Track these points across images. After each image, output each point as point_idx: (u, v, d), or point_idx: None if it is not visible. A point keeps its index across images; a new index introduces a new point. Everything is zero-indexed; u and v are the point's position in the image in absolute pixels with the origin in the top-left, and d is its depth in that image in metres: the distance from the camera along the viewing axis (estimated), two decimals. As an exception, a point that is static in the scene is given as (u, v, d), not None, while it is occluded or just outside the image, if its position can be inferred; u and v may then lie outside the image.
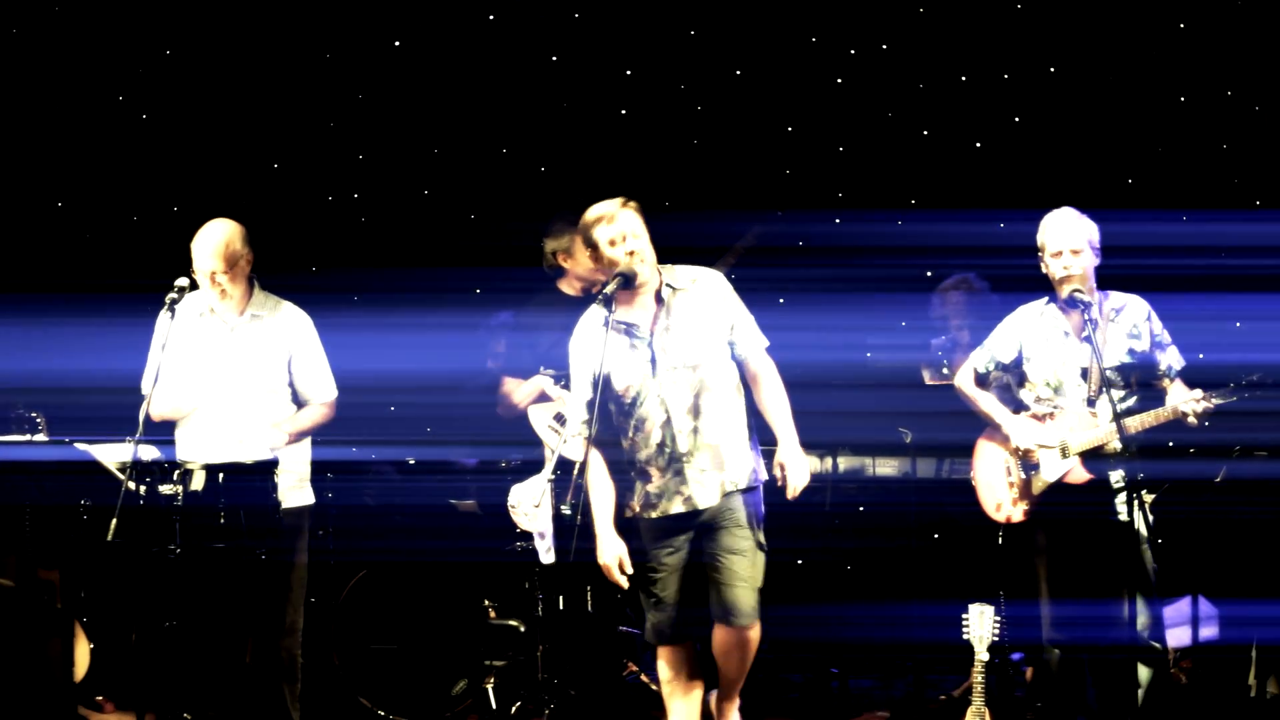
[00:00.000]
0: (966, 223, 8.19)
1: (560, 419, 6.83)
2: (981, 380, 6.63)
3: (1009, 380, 7.23)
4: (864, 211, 8.71)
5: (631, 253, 5.86)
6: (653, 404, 5.89)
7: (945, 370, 7.78)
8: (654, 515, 5.92)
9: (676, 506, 5.90)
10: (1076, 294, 6.29)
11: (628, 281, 5.90)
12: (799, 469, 5.88)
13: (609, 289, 5.89)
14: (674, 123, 8.98)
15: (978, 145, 8.92)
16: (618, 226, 5.88)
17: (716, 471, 5.87)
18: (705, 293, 5.95)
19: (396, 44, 8.98)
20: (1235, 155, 8.70)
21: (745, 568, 5.85)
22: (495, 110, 8.99)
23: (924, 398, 7.66)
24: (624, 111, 9.02)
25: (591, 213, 5.93)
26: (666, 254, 6.02)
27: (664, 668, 6.00)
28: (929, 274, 8.24)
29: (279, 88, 8.91)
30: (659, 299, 5.92)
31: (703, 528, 5.90)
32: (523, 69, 8.95)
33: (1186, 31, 8.69)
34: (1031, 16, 8.77)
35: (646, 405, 5.90)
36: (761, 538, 5.90)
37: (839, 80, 8.95)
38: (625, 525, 5.95)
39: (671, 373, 5.88)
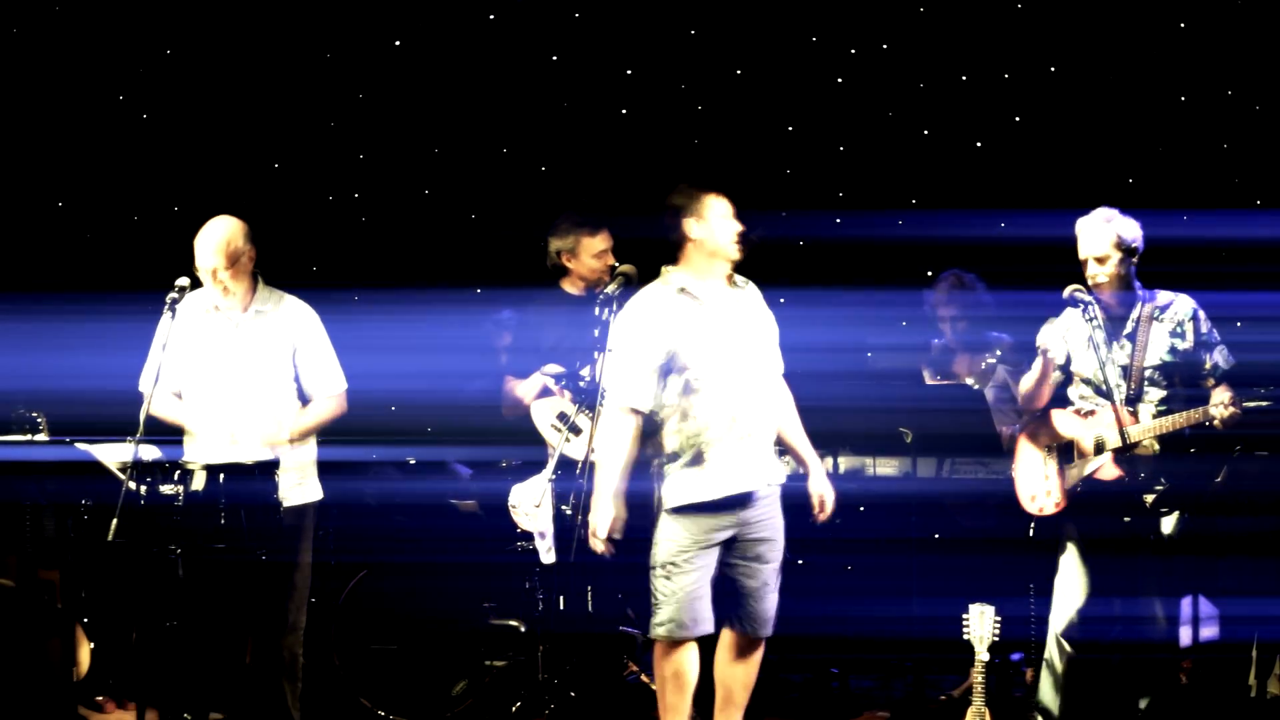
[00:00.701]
0: (967, 223, 8.19)
1: (563, 417, 6.83)
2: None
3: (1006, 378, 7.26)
4: (864, 211, 8.71)
5: (740, 234, 5.96)
6: (729, 375, 5.93)
7: (946, 372, 7.77)
8: (712, 499, 5.90)
9: (738, 485, 5.91)
10: (1077, 294, 6.31)
11: (628, 281, 5.93)
12: (833, 497, 6.07)
13: (610, 289, 5.91)
14: (674, 123, 8.98)
15: (978, 145, 8.92)
16: (726, 205, 5.98)
17: (772, 457, 6.01)
18: (760, 300, 6.10)
19: (396, 44, 8.98)
20: (1236, 155, 8.70)
21: (777, 580, 5.99)
22: (495, 110, 8.99)
23: (924, 398, 7.65)
24: (624, 111, 9.02)
25: (712, 193, 5.99)
26: (667, 252, 6.03)
27: (669, 665, 5.95)
28: (929, 273, 8.24)
29: (279, 88, 8.91)
30: (735, 285, 6.03)
31: (749, 525, 5.94)
32: (523, 69, 8.95)
33: (1186, 31, 8.69)
34: (1031, 16, 8.77)
35: (722, 376, 5.93)
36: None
37: (839, 80, 8.95)
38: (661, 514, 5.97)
39: (748, 348, 5.97)
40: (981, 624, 6.30)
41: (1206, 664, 7.24)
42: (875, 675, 8.20)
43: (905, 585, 7.47)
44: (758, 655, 6.01)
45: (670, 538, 5.93)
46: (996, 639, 6.31)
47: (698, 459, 5.92)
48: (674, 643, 5.93)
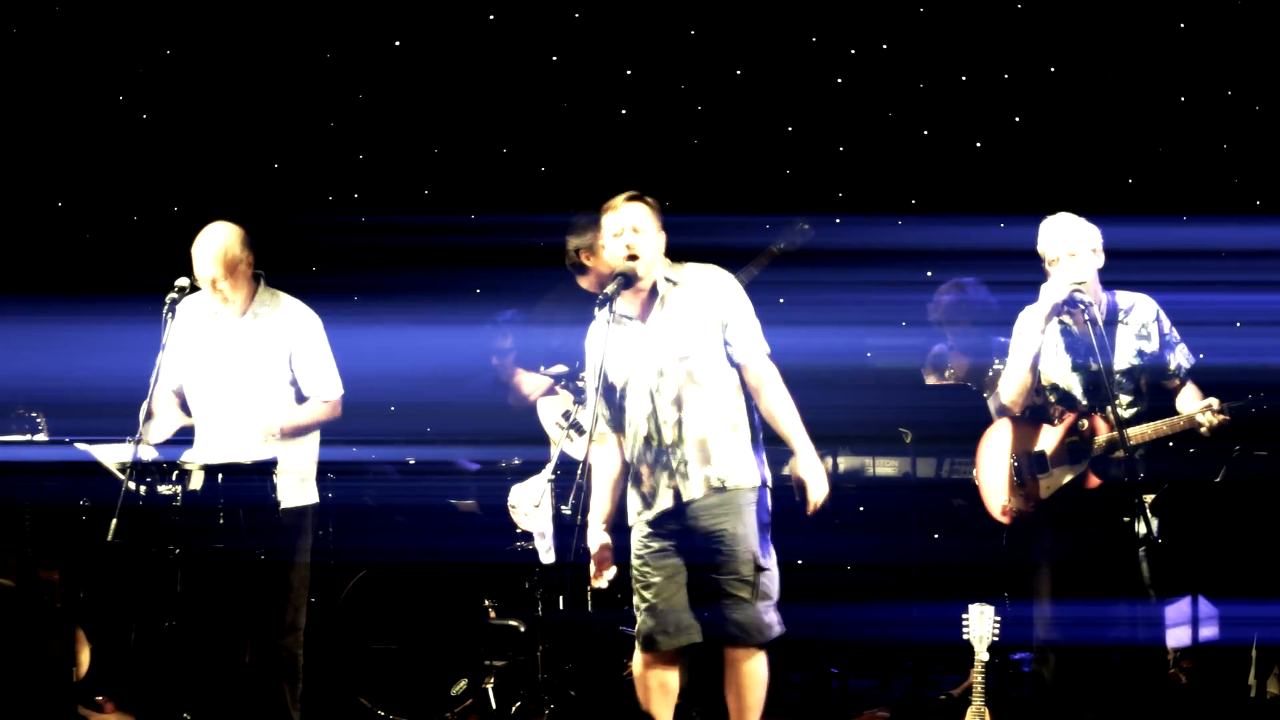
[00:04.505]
0: (967, 223, 8.20)
1: (567, 416, 6.83)
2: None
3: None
4: (864, 212, 8.71)
5: (629, 246, 5.86)
6: (640, 395, 5.86)
7: (949, 373, 7.77)
8: (650, 516, 5.86)
9: (665, 502, 5.83)
10: (1076, 293, 6.25)
11: (628, 281, 5.90)
12: (818, 481, 5.79)
13: (609, 289, 5.89)
14: (674, 123, 8.99)
15: (978, 146, 8.92)
16: (620, 219, 5.88)
17: (701, 465, 5.79)
18: (704, 289, 5.89)
19: (396, 44, 8.98)
20: (1236, 156, 8.70)
21: (747, 590, 5.77)
22: (495, 110, 9.00)
23: (924, 398, 7.66)
24: (624, 111, 9.02)
25: (608, 203, 5.93)
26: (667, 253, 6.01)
27: (644, 675, 5.92)
28: (929, 274, 8.25)
29: (279, 88, 8.92)
30: (654, 292, 5.90)
31: (696, 534, 5.82)
32: (523, 69, 8.95)
33: (1186, 31, 8.69)
34: (1031, 16, 8.78)
35: (634, 397, 5.87)
36: (760, 558, 5.80)
37: (839, 80, 8.95)
38: (623, 528, 5.95)
39: (658, 363, 5.85)
40: (981, 624, 6.29)
41: (1206, 664, 7.24)
42: (875, 675, 8.21)
43: (905, 585, 7.48)
44: (747, 668, 5.83)
45: (625, 547, 5.93)
46: (996, 639, 6.30)
47: (636, 479, 5.89)
48: (651, 653, 5.93)
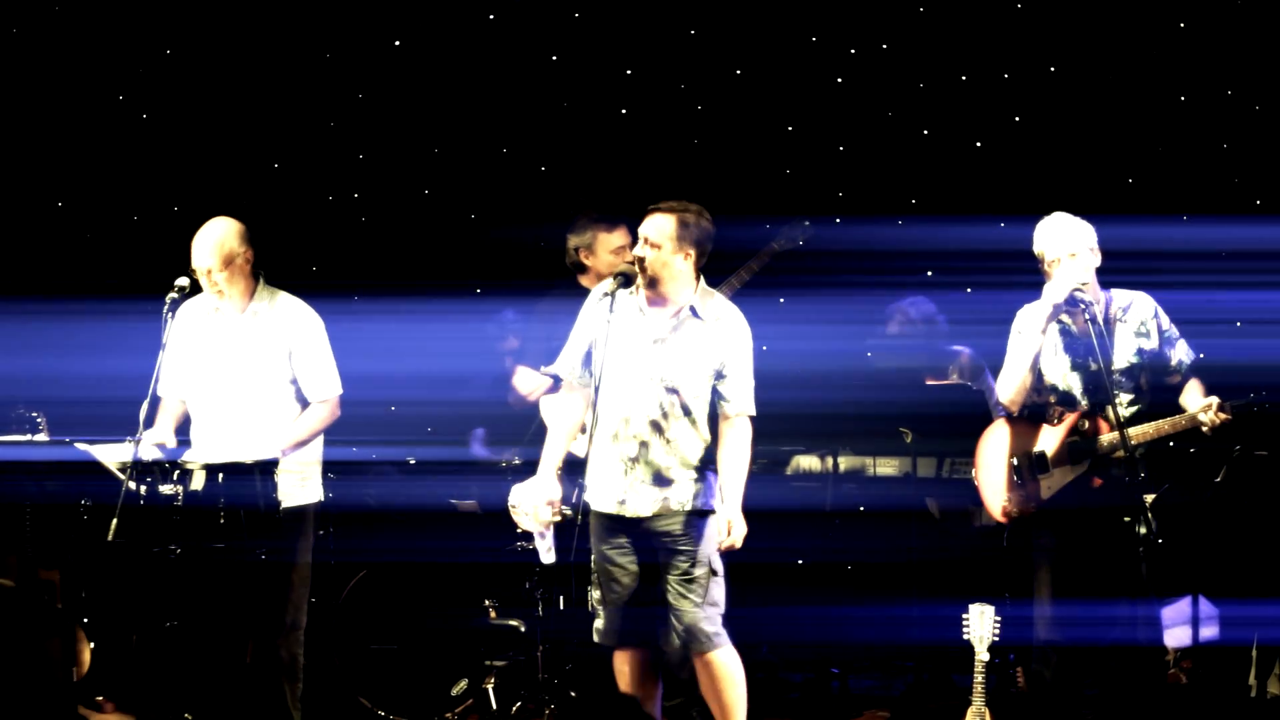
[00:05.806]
0: (967, 223, 8.20)
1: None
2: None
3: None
4: (864, 212, 8.71)
5: (639, 259, 5.89)
6: (619, 396, 5.89)
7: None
8: (596, 510, 5.91)
9: (609, 506, 5.90)
10: (1077, 293, 6.24)
11: (627, 281, 5.93)
12: (739, 526, 5.84)
13: (608, 286, 5.92)
14: (674, 123, 8.99)
15: (978, 145, 8.92)
16: (642, 228, 5.93)
17: (655, 489, 5.86)
18: (720, 332, 5.93)
19: (396, 44, 8.98)
20: (1236, 156, 8.70)
21: (698, 593, 5.82)
22: (495, 110, 9.00)
23: (924, 398, 7.66)
24: (624, 111, 9.02)
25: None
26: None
27: (617, 671, 5.97)
28: (929, 274, 8.24)
29: (279, 88, 8.91)
30: (678, 313, 5.92)
31: (653, 540, 5.86)
32: (523, 69, 8.95)
33: (1186, 31, 8.69)
34: (1031, 16, 8.78)
35: (615, 396, 5.89)
36: (716, 562, 5.87)
37: (839, 80, 8.95)
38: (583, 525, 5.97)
39: (648, 381, 5.89)
40: (981, 624, 6.29)
41: (1206, 664, 7.24)
42: (875, 675, 8.21)
43: (905, 585, 7.48)
44: (719, 671, 5.85)
45: (585, 547, 5.97)
46: (996, 639, 6.30)
47: (596, 467, 5.91)
48: (616, 650, 5.95)
